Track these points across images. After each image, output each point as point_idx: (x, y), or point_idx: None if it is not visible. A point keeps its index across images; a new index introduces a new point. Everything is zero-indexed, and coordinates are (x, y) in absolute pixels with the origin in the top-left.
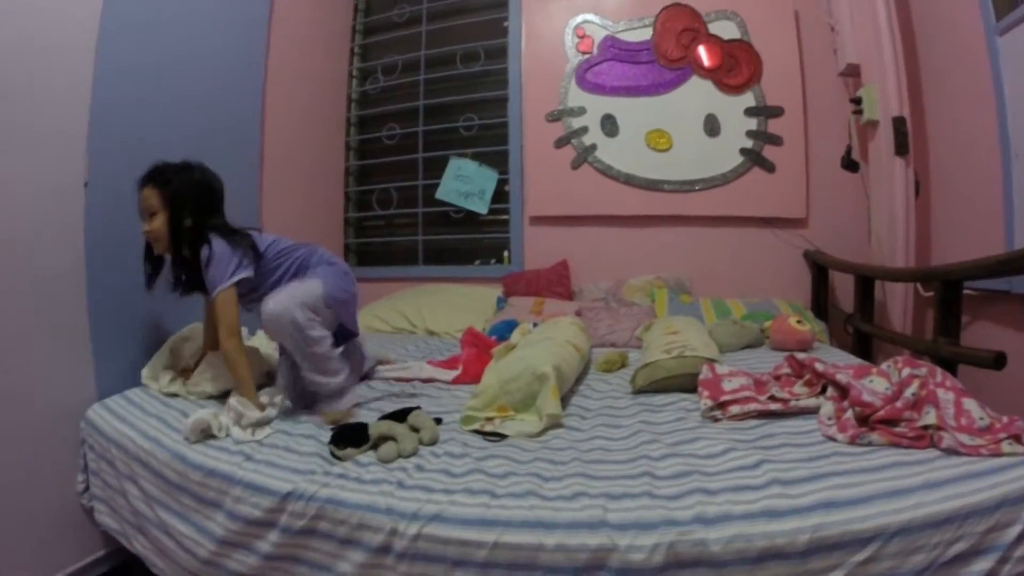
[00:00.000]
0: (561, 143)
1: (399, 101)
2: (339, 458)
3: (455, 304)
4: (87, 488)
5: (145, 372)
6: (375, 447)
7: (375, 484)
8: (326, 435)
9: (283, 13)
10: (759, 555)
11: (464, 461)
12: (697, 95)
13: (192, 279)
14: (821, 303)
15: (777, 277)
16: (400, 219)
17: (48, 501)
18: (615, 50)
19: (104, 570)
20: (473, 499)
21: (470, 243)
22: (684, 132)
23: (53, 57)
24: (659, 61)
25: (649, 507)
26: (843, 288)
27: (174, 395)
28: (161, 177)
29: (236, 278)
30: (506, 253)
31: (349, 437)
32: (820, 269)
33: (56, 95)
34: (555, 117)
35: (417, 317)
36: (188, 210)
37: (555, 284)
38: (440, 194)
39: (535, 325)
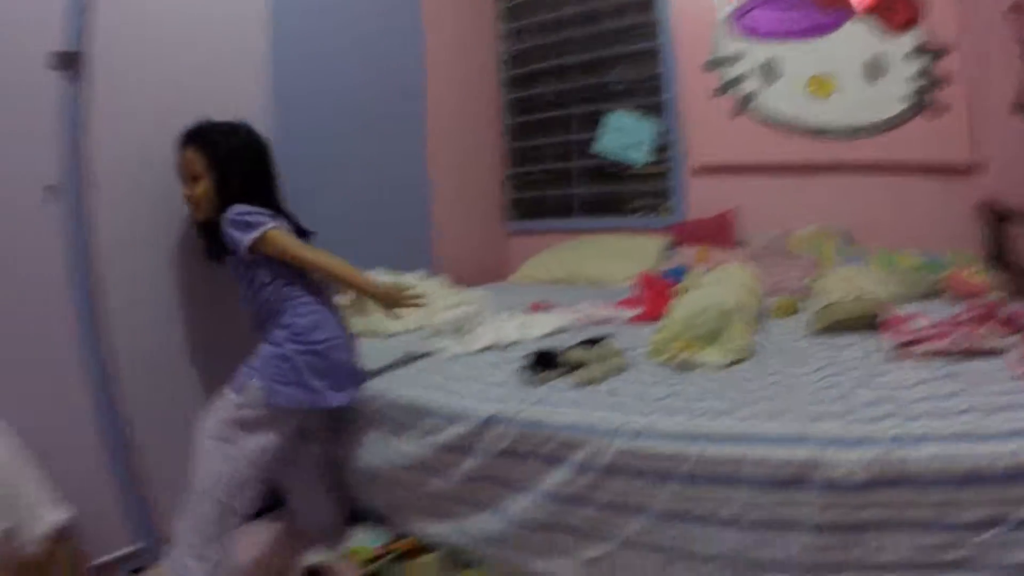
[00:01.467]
0: (720, 92)
1: (550, 59)
2: (534, 383)
3: (616, 253)
4: None
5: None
6: (568, 373)
7: (575, 405)
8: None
9: None
10: (960, 477)
11: (657, 387)
12: (856, 37)
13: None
14: (999, 255)
15: (946, 228)
16: (559, 173)
17: None
18: None
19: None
20: (672, 417)
21: (631, 195)
22: (845, 77)
23: (236, 35)
24: (814, 3)
25: (849, 426)
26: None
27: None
28: (207, 138)
29: (271, 224)
30: (667, 203)
31: (543, 362)
32: (997, 219)
33: (242, 72)
34: (711, 66)
35: (578, 267)
36: (237, 176)
37: (720, 234)
38: (600, 147)
39: (705, 272)
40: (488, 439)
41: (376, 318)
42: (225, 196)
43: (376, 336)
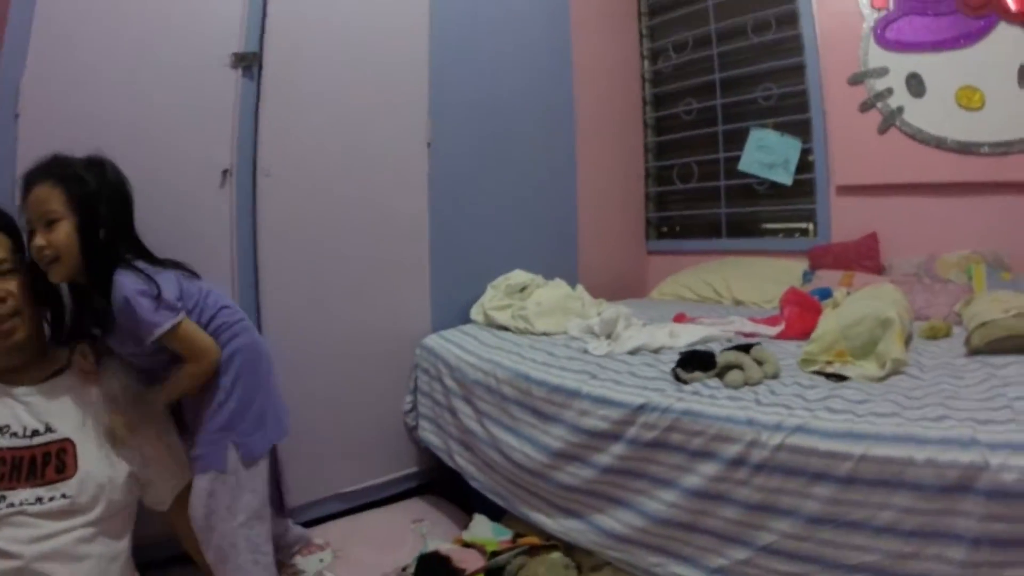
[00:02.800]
0: (866, 107)
1: (692, 76)
2: (684, 381)
3: (761, 275)
4: (413, 408)
5: (475, 309)
6: (720, 375)
7: (731, 400)
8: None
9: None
10: None
11: (815, 390)
12: (1007, 44)
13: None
14: None
15: None
16: (700, 192)
17: (380, 417)
18: (913, 3)
19: (412, 485)
20: (835, 415)
21: (769, 215)
22: (996, 87)
23: (398, 44)
24: (961, 10)
25: (1018, 431)
26: None
27: (504, 328)
28: (65, 171)
29: (182, 312)
30: (811, 225)
31: (696, 363)
32: None
33: (404, 76)
34: (857, 80)
35: (724, 287)
36: (103, 219)
37: (864, 257)
38: (743, 165)
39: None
40: (639, 427)
41: (531, 315)
42: (90, 243)
43: (526, 334)
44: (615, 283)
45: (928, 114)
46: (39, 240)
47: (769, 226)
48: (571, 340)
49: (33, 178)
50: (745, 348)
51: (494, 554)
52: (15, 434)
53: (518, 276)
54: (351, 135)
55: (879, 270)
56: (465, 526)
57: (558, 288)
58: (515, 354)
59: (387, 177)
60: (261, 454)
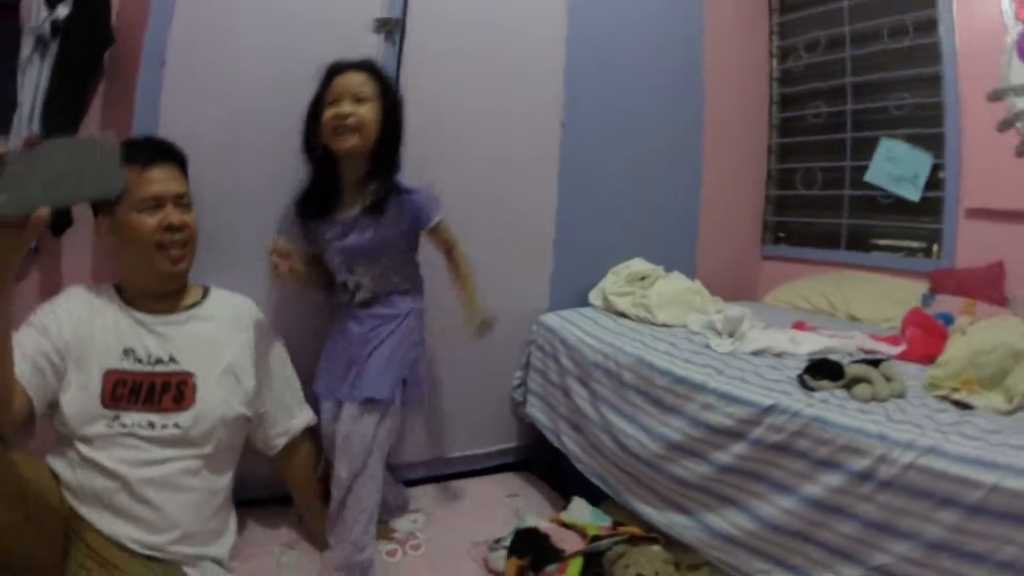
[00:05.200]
0: (1005, 126)
1: (821, 79)
2: (811, 388)
3: (878, 293)
4: (522, 383)
5: (594, 293)
6: (848, 386)
7: (862, 412)
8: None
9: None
10: None
11: (945, 415)
12: None
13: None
14: None
15: None
16: (821, 200)
17: (488, 389)
18: None
19: (510, 460)
20: (968, 441)
21: (892, 231)
22: None
23: (537, 24)
24: None
25: None
26: None
27: (623, 315)
28: (380, 72)
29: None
30: (934, 246)
31: (824, 371)
32: None
33: (541, 57)
34: (997, 96)
35: (841, 301)
36: (399, 126)
37: (988, 286)
38: (870, 176)
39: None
40: (765, 428)
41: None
42: (387, 130)
43: (646, 323)
44: (728, 283)
45: None
46: (347, 108)
47: (887, 242)
48: (692, 334)
49: (347, 67)
50: (874, 363)
51: (595, 538)
52: (139, 360)
53: (639, 265)
54: (485, 110)
55: (1002, 301)
56: (559, 508)
57: (679, 281)
58: (637, 341)
59: (518, 155)
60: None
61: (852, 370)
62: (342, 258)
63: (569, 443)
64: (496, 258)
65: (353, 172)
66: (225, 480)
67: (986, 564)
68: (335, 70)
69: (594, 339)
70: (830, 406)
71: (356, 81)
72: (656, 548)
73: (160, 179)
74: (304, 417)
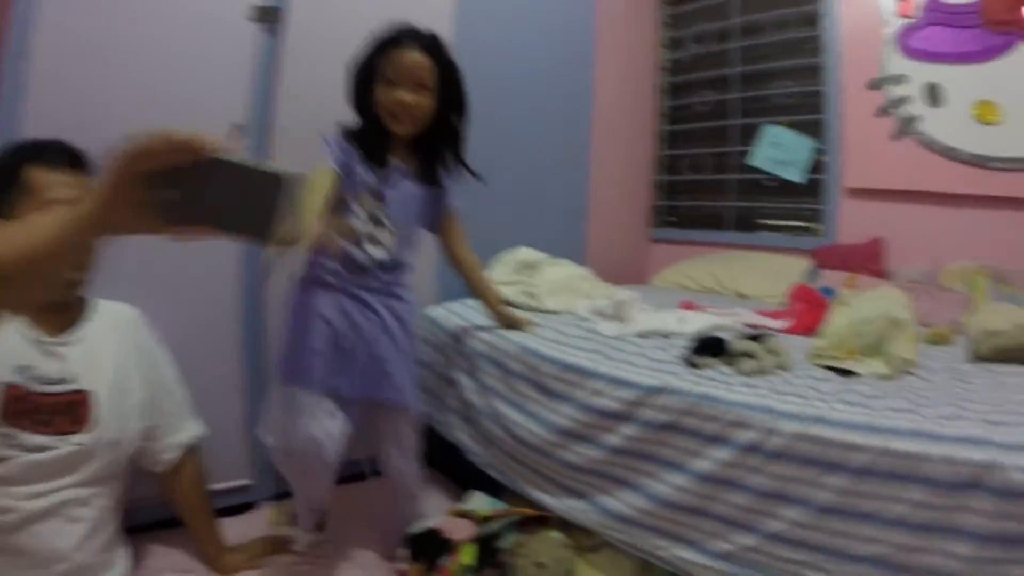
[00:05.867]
0: (882, 113)
1: (710, 68)
2: (697, 366)
3: (764, 270)
4: None
5: None
6: (732, 362)
7: (748, 388)
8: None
9: None
10: None
11: (829, 384)
12: None
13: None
14: None
15: None
16: (708, 184)
17: None
18: (938, 13)
19: None
20: (852, 408)
21: (776, 212)
22: (1014, 103)
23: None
24: (985, 25)
25: None
26: None
27: (511, 304)
28: (445, 56)
29: None
30: (817, 225)
31: (709, 349)
32: None
33: None
34: (875, 85)
35: (728, 279)
36: (458, 121)
37: (868, 261)
38: (754, 161)
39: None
40: (653, 409)
41: (541, 292)
42: (436, 130)
43: (534, 311)
44: (618, 268)
45: (944, 124)
46: (409, 98)
47: (774, 223)
48: (580, 320)
49: (412, 41)
50: (758, 338)
51: (486, 520)
52: (35, 378)
53: (527, 253)
54: None
55: (882, 275)
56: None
57: (567, 268)
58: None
59: None
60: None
61: (737, 346)
62: (373, 208)
63: (461, 436)
64: None
65: (408, 132)
66: (115, 506)
67: (875, 522)
68: (397, 40)
69: (480, 330)
70: (717, 383)
71: (421, 65)
72: (554, 534)
73: (62, 184)
74: (193, 430)
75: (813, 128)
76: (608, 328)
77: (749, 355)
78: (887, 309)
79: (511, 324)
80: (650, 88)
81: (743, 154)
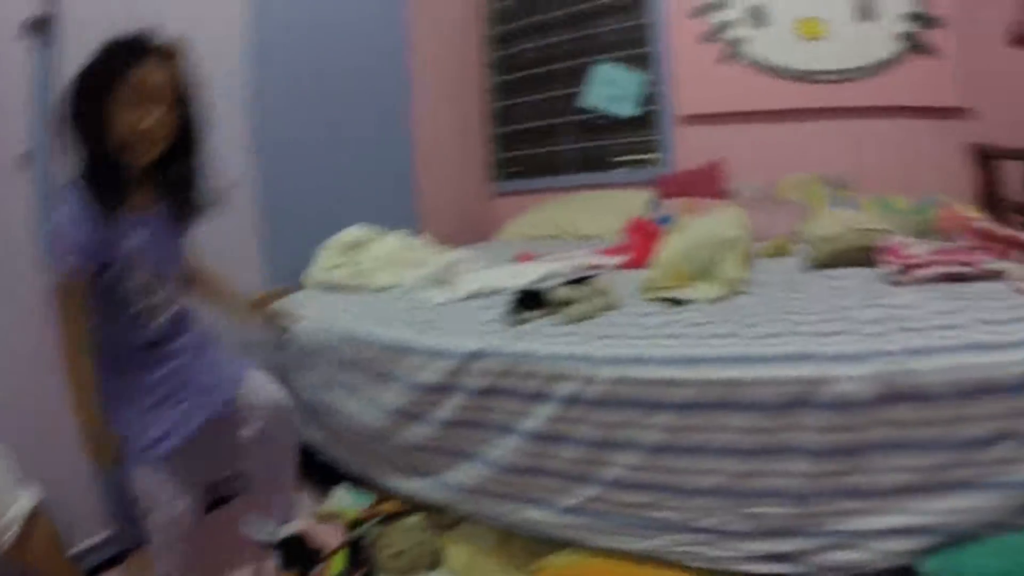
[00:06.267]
0: (708, 38)
1: (535, 13)
2: (521, 322)
3: (607, 208)
4: None
5: (305, 275)
6: (555, 312)
7: (566, 337)
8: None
9: None
10: (971, 388)
11: (656, 318)
12: None
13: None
14: (989, 197)
15: (939, 171)
16: (546, 130)
17: None
18: None
19: None
20: (673, 341)
21: (618, 148)
22: (835, 18)
23: None
24: None
25: (857, 341)
26: (1012, 181)
27: (343, 288)
28: (185, 66)
29: None
30: (655, 155)
31: (528, 303)
32: (986, 160)
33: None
34: (698, 13)
35: (569, 222)
36: (196, 132)
37: (708, 184)
38: (586, 101)
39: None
40: (472, 375)
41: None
42: (177, 152)
43: (364, 291)
44: (464, 228)
45: (769, 44)
46: (152, 119)
47: (620, 159)
48: (408, 292)
49: (150, 55)
50: (581, 281)
51: (355, 524)
52: None
53: (353, 232)
54: None
55: (724, 196)
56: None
57: (396, 240)
58: (348, 314)
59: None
60: None
61: (559, 294)
62: (153, 270)
63: (310, 434)
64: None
65: (149, 159)
66: None
67: (706, 454)
68: (134, 53)
69: (307, 323)
70: (536, 337)
71: (160, 80)
72: (411, 519)
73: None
74: (28, 497)
75: (642, 61)
76: (435, 295)
77: (575, 301)
78: (715, 230)
79: (271, 320)
80: (476, 40)
81: (576, 96)
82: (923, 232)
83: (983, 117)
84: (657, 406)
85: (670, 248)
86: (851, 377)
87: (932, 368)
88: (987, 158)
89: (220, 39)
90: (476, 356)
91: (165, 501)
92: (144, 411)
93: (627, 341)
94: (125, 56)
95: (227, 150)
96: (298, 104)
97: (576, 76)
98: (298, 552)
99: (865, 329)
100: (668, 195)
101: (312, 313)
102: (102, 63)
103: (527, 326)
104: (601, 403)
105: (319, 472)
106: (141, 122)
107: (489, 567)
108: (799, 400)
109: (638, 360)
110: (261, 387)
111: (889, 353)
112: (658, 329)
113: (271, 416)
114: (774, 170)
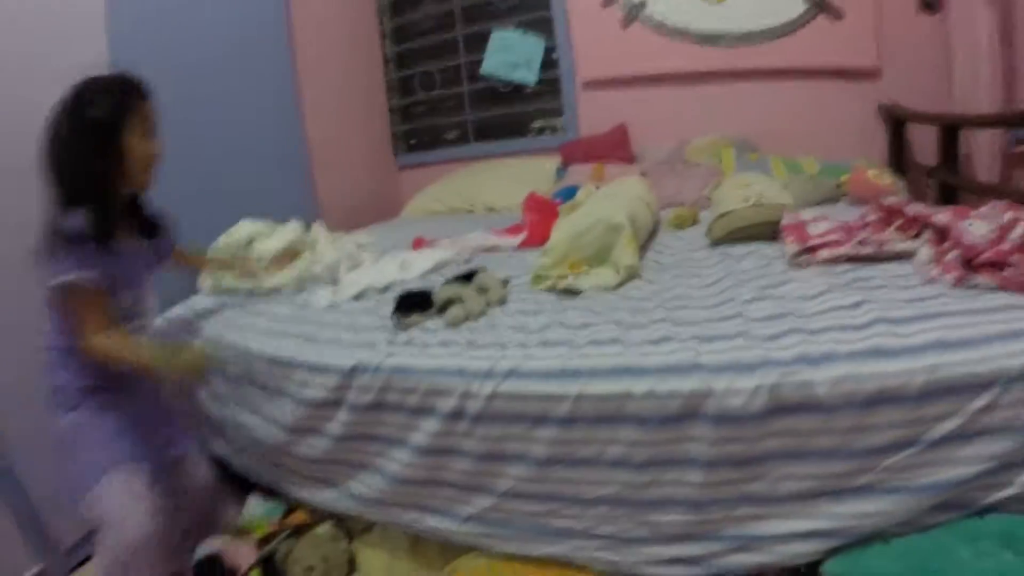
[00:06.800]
0: (608, 3)
1: None
2: (403, 327)
3: (513, 177)
4: None
5: (201, 279)
6: (441, 312)
7: (443, 347)
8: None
9: None
10: (869, 398)
11: (539, 317)
12: None
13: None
14: (899, 159)
15: (850, 133)
16: (447, 100)
17: None
18: None
19: None
20: (551, 351)
21: (522, 116)
22: None
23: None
24: None
25: (746, 347)
26: (922, 143)
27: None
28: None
29: None
30: (560, 121)
31: (413, 304)
32: (897, 123)
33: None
34: None
35: (474, 194)
36: None
37: (615, 149)
38: (485, 69)
39: (598, 188)
40: (355, 391)
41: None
42: None
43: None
44: (368, 207)
45: (671, 7)
46: (158, 147)
47: (525, 126)
48: (295, 295)
49: (147, 89)
50: (468, 277)
51: (264, 540)
52: None
53: (242, 229)
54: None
55: (631, 159)
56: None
57: (284, 233)
58: (235, 324)
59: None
60: None
61: (442, 293)
62: (139, 297)
63: (218, 447)
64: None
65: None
66: None
67: (598, 466)
68: (141, 91)
69: (198, 337)
70: (412, 349)
71: (156, 114)
72: (320, 530)
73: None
74: None
75: (542, 26)
76: (321, 298)
77: (458, 300)
78: (605, 215)
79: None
80: (369, 10)
81: (474, 63)
82: (833, 197)
83: (894, 79)
84: (540, 420)
85: (559, 234)
86: (738, 390)
87: (827, 379)
88: (898, 121)
89: (79, 27)
90: (355, 372)
91: (137, 516)
92: (130, 422)
93: (503, 352)
94: (136, 92)
95: None
96: (178, 104)
97: (477, 43)
98: (213, 573)
99: (756, 330)
100: (574, 160)
101: (201, 326)
102: (115, 98)
103: (412, 331)
104: (483, 418)
105: (232, 482)
106: (154, 151)
107: (403, 571)
108: (685, 414)
109: (514, 374)
110: (198, 465)
111: (780, 363)
112: (539, 333)
113: (202, 497)
114: (683, 133)
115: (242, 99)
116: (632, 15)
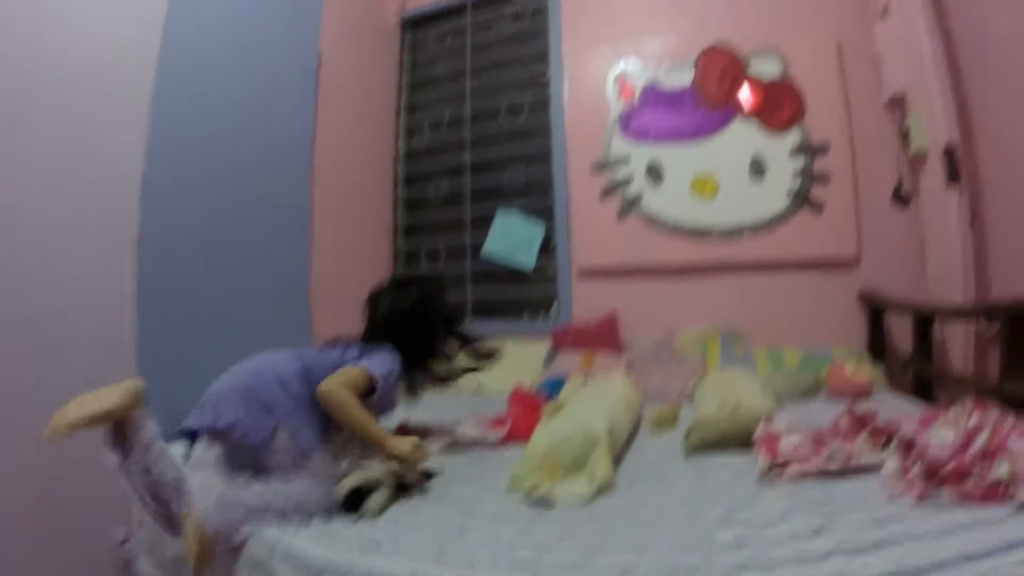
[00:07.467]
0: (607, 194)
1: (445, 156)
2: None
3: (503, 360)
4: (126, 540)
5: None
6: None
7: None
8: None
9: (331, 71)
10: None
11: (509, 530)
12: (741, 137)
13: None
14: (878, 346)
15: (832, 321)
16: (448, 275)
17: (92, 554)
18: (656, 97)
19: None
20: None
21: (518, 297)
22: (730, 176)
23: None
24: (701, 104)
25: None
26: (902, 329)
27: None
28: None
29: None
30: (554, 306)
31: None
32: (876, 311)
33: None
34: (599, 168)
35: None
36: None
37: (605, 337)
38: (486, 250)
39: (585, 381)
40: None
41: None
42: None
43: None
44: None
45: (665, 201)
46: None
47: (519, 308)
48: None
49: None
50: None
51: None
52: None
53: None
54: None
55: (620, 348)
56: None
57: None
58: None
59: (77, 283)
60: None
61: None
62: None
63: None
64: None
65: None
66: None
67: None
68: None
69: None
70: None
71: None
72: None
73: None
74: None
75: (544, 212)
76: None
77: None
78: (584, 425)
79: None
80: (388, 179)
81: (477, 241)
82: (811, 392)
83: (873, 268)
84: None
85: (539, 439)
86: None
87: None
88: (876, 309)
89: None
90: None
91: None
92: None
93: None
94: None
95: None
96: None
97: (483, 222)
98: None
99: (717, 560)
100: (563, 346)
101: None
102: (450, 307)
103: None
104: None
105: None
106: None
107: None
108: None
109: None
110: None
111: None
112: (508, 552)
113: None
114: (671, 323)
115: (261, 245)
116: (628, 207)
